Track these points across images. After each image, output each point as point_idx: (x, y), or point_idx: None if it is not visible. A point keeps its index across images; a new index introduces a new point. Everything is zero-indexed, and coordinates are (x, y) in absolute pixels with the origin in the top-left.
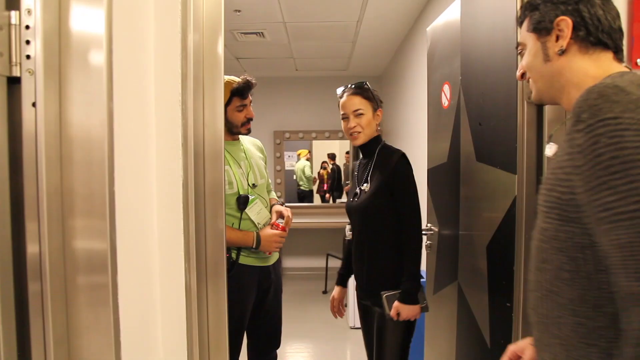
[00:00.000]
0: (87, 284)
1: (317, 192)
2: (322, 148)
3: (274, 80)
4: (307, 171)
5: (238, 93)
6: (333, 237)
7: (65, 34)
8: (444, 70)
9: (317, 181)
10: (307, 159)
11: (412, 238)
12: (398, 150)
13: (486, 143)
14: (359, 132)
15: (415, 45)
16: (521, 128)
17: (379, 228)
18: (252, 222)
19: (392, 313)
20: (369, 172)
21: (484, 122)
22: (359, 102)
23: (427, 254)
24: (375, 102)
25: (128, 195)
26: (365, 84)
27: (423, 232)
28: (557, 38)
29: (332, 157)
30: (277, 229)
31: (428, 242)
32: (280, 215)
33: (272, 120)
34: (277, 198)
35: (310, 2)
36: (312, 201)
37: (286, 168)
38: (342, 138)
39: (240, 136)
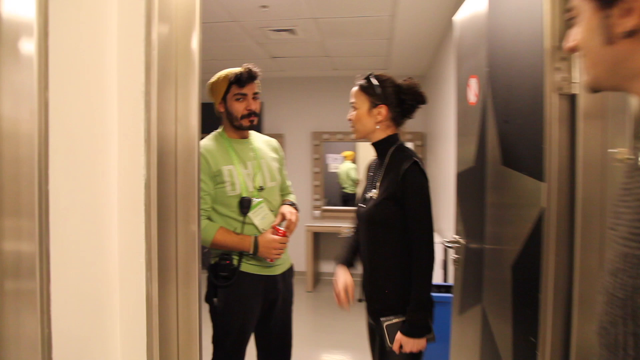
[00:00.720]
0: (13, 290)
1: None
2: (370, 150)
3: (311, 80)
4: (353, 174)
5: (235, 81)
6: (339, 239)
7: None
8: (471, 63)
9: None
10: (353, 161)
11: (422, 259)
12: (410, 157)
13: (512, 144)
14: (352, 126)
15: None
16: (549, 125)
17: (385, 242)
18: (256, 227)
19: (395, 347)
20: (379, 176)
21: (511, 119)
22: (355, 94)
23: (455, 268)
24: (376, 97)
25: (73, 195)
26: (370, 76)
27: (449, 245)
28: (625, 13)
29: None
30: (277, 234)
31: (455, 255)
32: (283, 218)
33: (310, 121)
34: (292, 200)
35: None
36: (353, 205)
37: (329, 170)
38: None
39: (251, 135)
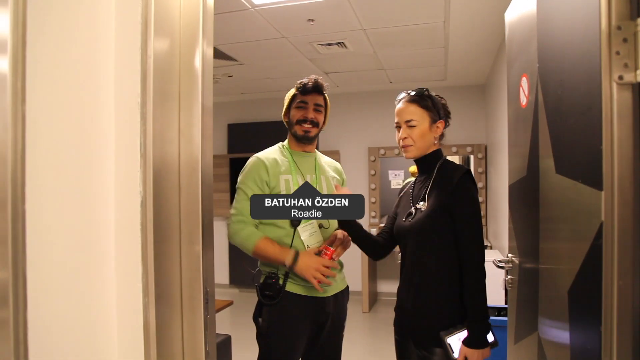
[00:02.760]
0: None
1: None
2: None
3: (367, 94)
4: None
5: (299, 89)
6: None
7: None
8: (522, 61)
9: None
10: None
11: (474, 267)
12: (462, 167)
13: (566, 148)
14: (410, 145)
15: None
16: (608, 122)
17: (436, 253)
18: (302, 242)
19: (460, 359)
20: (426, 189)
21: (564, 120)
22: (413, 111)
23: (509, 291)
24: (435, 112)
25: (66, 216)
26: (426, 91)
27: (502, 265)
28: None
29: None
30: (325, 255)
31: (509, 277)
32: (334, 240)
33: (366, 136)
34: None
35: (387, 5)
36: None
37: (392, 187)
38: (455, 153)
39: (316, 153)
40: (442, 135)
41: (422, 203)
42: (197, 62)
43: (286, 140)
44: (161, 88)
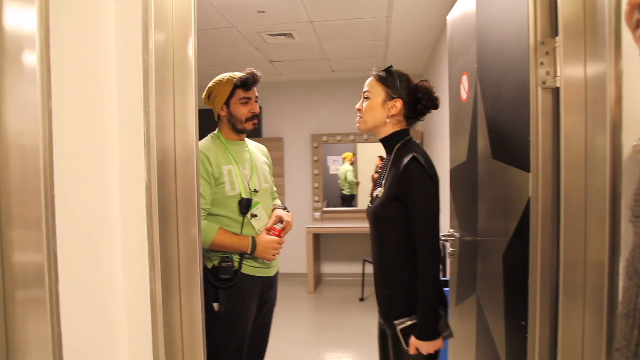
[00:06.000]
0: (25, 297)
1: (370, 196)
2: (369, 150)
3: (310, 82)
4: (350, 176)
5: (241, 84)
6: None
7: None
8: (462, 61)
9: (373, 184)
10: (351, 163)
11: (425, 259)
12: (411, 151)
13: (501, 138)
14: (360, 117)
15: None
16: (535, 118)
17: (391, 241)
18: (253, 227)
19: (411, 351)
20: (384, 174)
21: (499, 114)
22: (370, 84)
23: (450, 261)
24: (393, 90)
25: (76, 202)
26: (391, 68)
27: (445, 239)
28: None
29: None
30: (273, 234)
31: (451, 249)
32: (280, 220)
33: (309, 123)
34: (279, 204)
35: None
36: (351, 206)
37: (330, 172)
38: None
39: (246, 139)
40: (408, 121)
41: (379, 189)
42: (190, 55)
43: (217, 131)
44: (160, 81)
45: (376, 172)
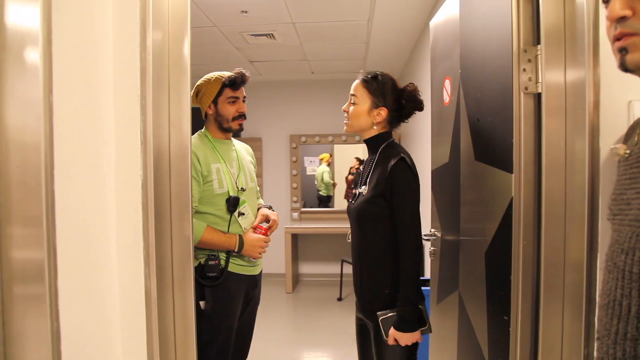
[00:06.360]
0: (25, 293)
1: (345, 198)
2: (346, 152)
3: (289, 83)
4: (326, 177)
5: (230, 84)
6: (348, 242)
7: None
8: (445, 65)
9: (347, 186)
10: (328, 164)
11: (407, 254)
12: (398, 153)
13: (484, 140)
14: (346, 120)
15: (428, 44)
16: (517, 122)
17: (375, 237)
18: (240, 226)
19: (390, 341)
20: (369, 172)
21: (482, 118)
22: (357, 89)
23: (431, 260)
24: (380, 97)
25: (77, 199)
26: (379, 75)
27: (426, 238)
28: None
29: (361, 161)
30: (260, 232)
31: (432, 248)
32: (266, 219)
33: (288, 123)
34: (263, 203)
35: (318, 2)
36: (328, 206)
37: (307, 173)
38: (360, 142)
39: (232, 139)
40: (392, 124)
41: (363, 187)
42: (186, 54)
43: (204, 129)
44: (156, 80)
45: (350, 173)
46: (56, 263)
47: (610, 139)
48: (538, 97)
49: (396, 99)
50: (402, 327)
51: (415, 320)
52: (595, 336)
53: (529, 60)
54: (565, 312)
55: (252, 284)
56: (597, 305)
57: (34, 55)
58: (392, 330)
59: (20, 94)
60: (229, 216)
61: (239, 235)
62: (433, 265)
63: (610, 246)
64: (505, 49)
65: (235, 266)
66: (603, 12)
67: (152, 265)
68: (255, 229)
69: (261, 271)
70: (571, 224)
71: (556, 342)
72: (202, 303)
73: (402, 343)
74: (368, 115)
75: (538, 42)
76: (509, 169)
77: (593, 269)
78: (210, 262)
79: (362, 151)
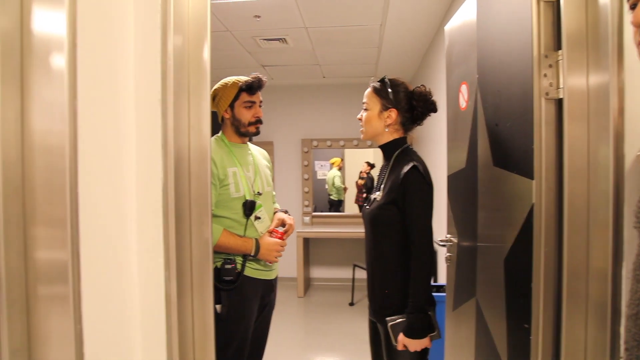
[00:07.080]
0: (49, 294)
1: (355, 202)
2: (357, 156)
3: (301, 87)
4: (337, 181)
5: (246, 88)
6: (360, 247)
7: (27, 37)
8: (461, 70)
9: (357, 190)
10: (339, 169)
11: (419, 261)
12: (411, 160)
13: (503, 146)
14: (361, 127)
15: (442, 48)
16: (538, 127)
17: (386, 242)
18: (256, 230)
19: (399, 347)
20: (383, 178)
21: (501, 123)
22: (367, 95)
23: (447, 266)
24: (388, 100)
25: (99, 202)
26: (385, 79)
27: (442, 244)
28: None
29: (371, 165)
30: (276, 237)
31: (448, 254)
32: (282, 223)
33: (300, 128)
34: (279, 207)
35: (330, 6)
36: (339, 211)
37: (318, 177)
38: (371, 146)
39: (248, 143)
40: (406, 127)
41: (377, 193)
42: (206, 58)
43: (220, 133)
44: (177, 84)
45: (360, 177)
46: (79, 264)
47: (636, 144)
48: (559, 102)
49: (407, 100)
50: (411, 334)
51: (424, 326)
52: (623, 347)
53: (550, 66)
54: (589, 322)
55: (268, 288)
56: (624, 316)
57: (59, 61)
58: (401, 336)
59: (46, 98)
60: (245, 220)
61: (255, 239)
62: (449, 271)
63: (638, 255)
64: (525, 54)
65: (251, 270)
66: (627, 17)
67: (172, 268)
68: (271, 233)
69: (277, 276)
70: (595, 232)
71: (579, 352)
72: (218, 307)
73: (411, 349)
74: (379, 118)
75: (559, 47)
76: (530, 175)
77: (618, 278)
78: (227, 266)
79: (372, 156)
